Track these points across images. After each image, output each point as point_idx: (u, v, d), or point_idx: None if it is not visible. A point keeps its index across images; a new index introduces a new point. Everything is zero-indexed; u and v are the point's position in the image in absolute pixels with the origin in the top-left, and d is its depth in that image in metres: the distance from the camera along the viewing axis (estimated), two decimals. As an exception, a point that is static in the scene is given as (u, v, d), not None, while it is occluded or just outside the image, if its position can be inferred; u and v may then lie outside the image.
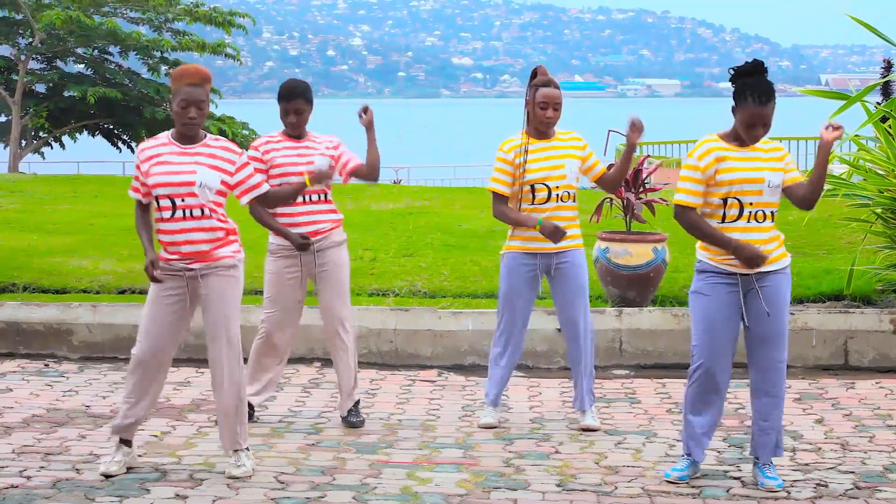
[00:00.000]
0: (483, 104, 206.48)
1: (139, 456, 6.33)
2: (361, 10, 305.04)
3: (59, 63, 28.82)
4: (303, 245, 6.79)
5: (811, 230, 11.67)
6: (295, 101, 6.92)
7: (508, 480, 6.05)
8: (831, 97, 9.50)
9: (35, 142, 28.50)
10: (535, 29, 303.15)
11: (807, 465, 6.35)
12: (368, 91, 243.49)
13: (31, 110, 27.34)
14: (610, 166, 10.09)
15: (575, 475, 6.15)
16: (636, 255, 9.05)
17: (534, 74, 7.08)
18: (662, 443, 6.75)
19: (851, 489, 5.94)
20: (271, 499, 5.73)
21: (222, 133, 26.86)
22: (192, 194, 5.93)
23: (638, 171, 9.35)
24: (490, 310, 8.70)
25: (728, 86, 5.91)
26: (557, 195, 6.90)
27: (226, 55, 28.82)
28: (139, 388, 6.10)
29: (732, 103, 5.84)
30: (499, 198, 6.98)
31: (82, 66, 29.14)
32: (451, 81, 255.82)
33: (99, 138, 29.46)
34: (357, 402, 7.15)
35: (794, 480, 6.06)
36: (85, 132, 29.22)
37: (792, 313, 8.79)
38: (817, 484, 6.01)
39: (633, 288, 9.12)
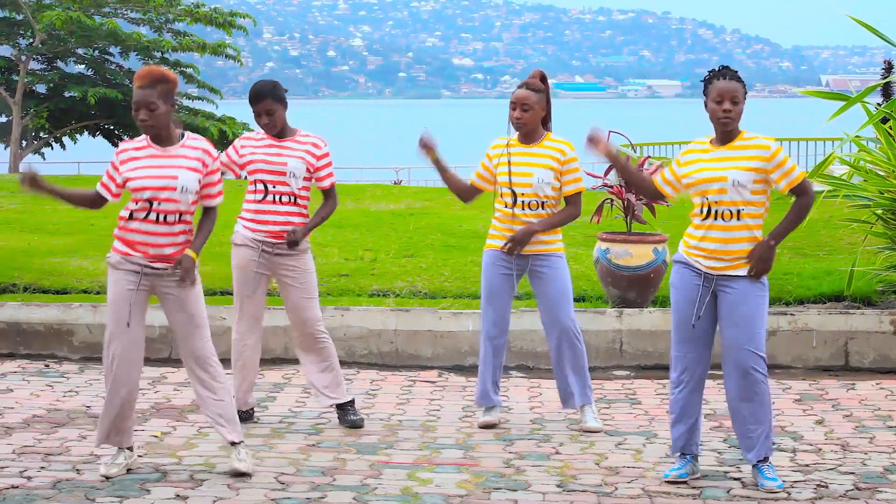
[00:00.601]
0: (484, 105, 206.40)
1: (139, 457, 6.33)
2: (362, 11, 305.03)
3: (59, 63, 28.81)
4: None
5: (811, 231, 11.66)
6: (263, 102, 6.86)
7: (509, 481, 6.05)
8: (831, 98, 9.50)
9: (35, 142, 28.50)
10: (536, 30, 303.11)
11: (807, 465, 6.35)
12: (369, 92, 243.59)
13: (31, 111, 27.34)
14: (609, 169, 10.13)
15: (575, 476, 6.15)
16: (636, 255, 9.05)
17: None
18: (663, 443, 6.74)
19: (852, 490, 5.94)
20: (272, 499, 5.73)
21: (222, 134, 26.87)
22: (171, 199, 5.94)
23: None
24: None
25: None
26: (523, 202, 6.91)
27: (226, 56, 28.81)
28: (118, 391, 6.08)
29: (703, 100, 5.96)
30: (471, 187, 7.17)
31: (83, 66, 29.14)
32: (452, 82, 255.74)
33: (99, 139, 29.45)
34: (352, 401, 7.14)
35: (795, 481, 6.06)
36: (85, 133, 29.22)
37: (792, 314, 8.80)
38: (817, 485, 6.01)
39: (633, 289, 9.12)
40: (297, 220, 6.93)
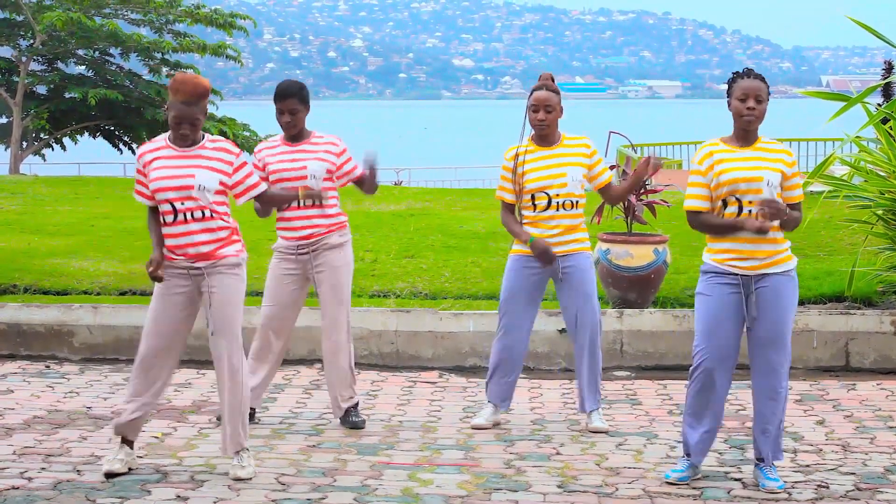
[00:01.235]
0: (484, 105, 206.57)
1: (139, 457, 6.33)
2: (362, 12, 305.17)
3: (59, 64, 28.79)
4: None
5: (812, 231, 11.66)
6: (289, 100, 6.91)
7: (509, 482, 6.05)
8: (832, 98, 9.50)
9: (36, 143, 28.49)
10: (536, 30, 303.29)
11: (808, 466, 6.35)
12: (369, 93, 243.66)
13: (31, 112, 27.32)
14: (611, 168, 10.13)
15: (576, 476, 6.15)
16: (637, 256, 9.05)
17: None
18: (663, 444, 6.75)
19: (852, 490, 5.94)
20: (272, 500, 5.73)
21: (223, 135, 26.86)
22: (192, 198, 5.95)
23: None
24: (491, 311, 8.70)
25: None
26: (558, 203, 6.90)
27: (227, 57, 28.80)
28: (143, 386, 6.11)
29: (727, 99, 5.98)
30: (505, 205, 7.04)
31: (83, 67, 29.13)
32: (452, 83, 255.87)
33: (100, 140, 29.44)
34: (356, 404, 7.15)
35: (795, 482, 6.06)
36: (86, 134, 29.20)
37: (793, 315, 8.79)
38: (818, 485, 6.01)
39: (633, 289, 9.12)
40: (321, 221, 6.94)
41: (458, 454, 6.55)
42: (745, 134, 5.96)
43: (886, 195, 9.02)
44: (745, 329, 6.01)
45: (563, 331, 8.63)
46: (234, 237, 6.10)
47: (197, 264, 6.03)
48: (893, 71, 10.75)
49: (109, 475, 6.01)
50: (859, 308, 9.17)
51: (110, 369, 8.58)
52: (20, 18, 27.57)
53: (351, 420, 7.08)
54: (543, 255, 6.85)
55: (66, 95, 27.70)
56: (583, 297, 6.99)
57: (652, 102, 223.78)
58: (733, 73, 6.06)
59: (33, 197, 15.31)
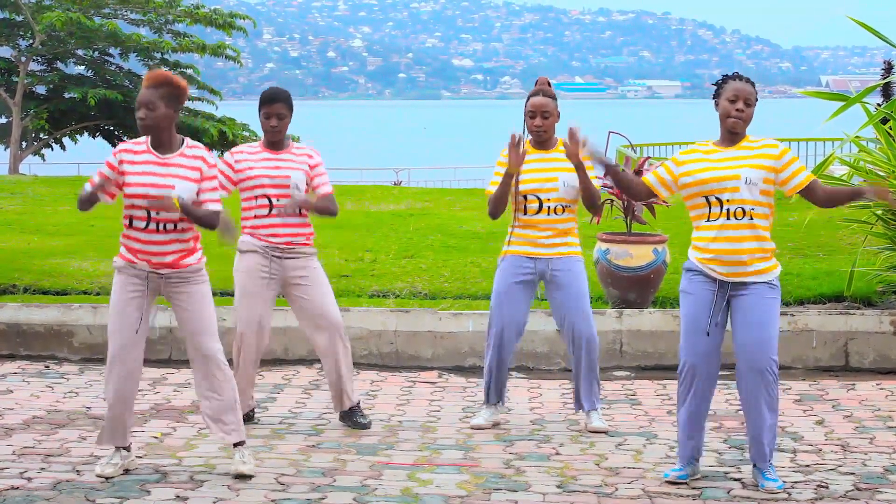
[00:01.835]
0: (484, 106, 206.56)
1: (139, 458, 6.34)
2: (362, 12, 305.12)
3: (59, 65, 28.80)
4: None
5: (812, 231, 11.66)
6: (277, 104, 6.92)
7: (509, 482, 6.05)
8: (831, 98, 9.50)
9: (35, 143, 28.49)
10: (536, 30, 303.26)
11: (807, 466, 6.35)
12: (369, 93, 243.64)
13: (31, 112, 27.33)
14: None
15: (575, 476, 6.15)
16: (636, 256, 9.06)
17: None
18: (663, 444, 6.75)
19: (852, 490, 5.94)
20: (272, 500, 5.73)
21: (222, 135, 26.87)
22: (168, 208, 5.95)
23: (638, 173, 9.35)
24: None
25: None
26: (549, 207, 6.90)
27: (226, 57, 28.81)
28: (119, 390, 6.11)
29: (714, 100, 6.01)
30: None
31: (83, 67, 29.13)
32: (452, 83, 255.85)
33: (99, 140, 29.45)
34: (358, 403, 7.15)
35: (795, 482, 6.06)
36: (85, 134, 29.21)
37: (792, 314, 8.80)
38: (818, 485, 6.01)
39: (633, 289, 9.12)
40: (302, 230, 6.94)
41: (457, 454, 6.56)
42: (730, 136, 5.99)
43: (886, 195, 9.01)
44: (727, 328, 6.04)
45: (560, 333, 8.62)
46: (197, 244, 6.12)
47: (159, 270, 6.03)
48: (893, 71, 10.75)
49: (105, 478, 6.02)
50: (859, 308, 9.17)
51: (110, 369, 8.57)
52: (20, 18, 27.58)
53: (356, 419, 7.07)
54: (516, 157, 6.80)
55: (66, 95, 27.71)
56: (574, 302, 6.97)
57: (651, 102, 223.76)
58: (723, 76, 6.08)
59: (33, 197, 15.31)
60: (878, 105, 9.83)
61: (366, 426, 7.07)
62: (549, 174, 6.89)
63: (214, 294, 6.21)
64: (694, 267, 6.02)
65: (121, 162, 6.02)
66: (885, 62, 11.79)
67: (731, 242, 5.91)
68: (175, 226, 6.00)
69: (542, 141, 6.96)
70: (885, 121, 9.30)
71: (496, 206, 6.94)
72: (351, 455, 6.51)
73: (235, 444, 6.15)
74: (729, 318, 6.01)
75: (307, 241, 7.00)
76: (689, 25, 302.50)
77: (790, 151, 6.02)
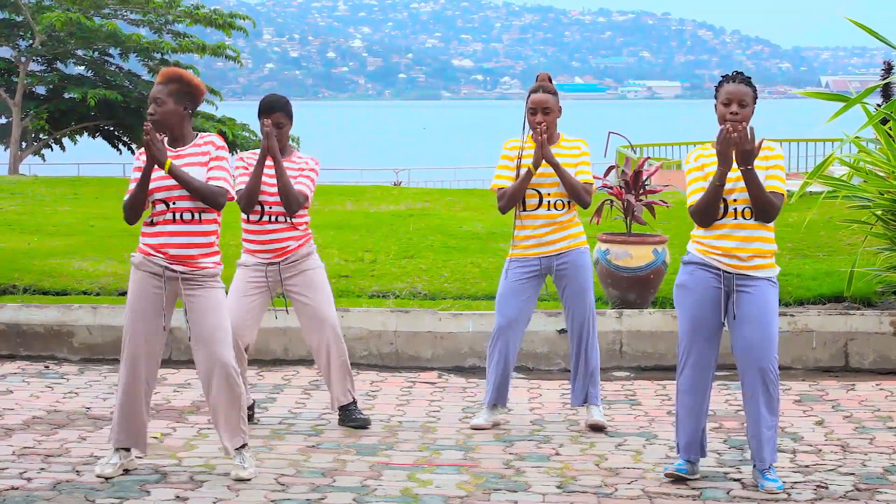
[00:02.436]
0: (483, 106, 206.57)
1: (139, 458, 6.33)
2: (362, 12, 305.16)
3: (59, 65, 28.79)
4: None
5: (811, 232, 11.67)
6: (277, 113, 6.91)
7: (509, 482, 6.05)
8: (831, 99, 9.49)
9: (35, 143, 28.49)
10: (536, 31, 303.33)
11: (807, 466, 6.35)
12: (369, 93, 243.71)
13: (31, 112, 27.32)
14: (609, 170, 10.15)
15: (575, 477, 6.15)
16: (636, 256, 9.06)
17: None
18: (663, 445, 6.75)
19: (852, 491, 5.94)
20: (271, 500, 5.73)
21: (222, 135, 26.85)
22: (185, 196, 5.95)
23: (638, 173, 9.36)
24: (491, 312, 8.70)
25: None
26: (549, 202, 6.91)
27: (226, 57, 28.80)
28: (136, 391, 6.10)
29: (714, 103, 6.01)
30: (501, 192, 7.01)
31: (82, 67, 29.13)
32: (452, 83, 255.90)
33: (99, 140, 29.44)
34: (355, 402, 7.14)
35: (795, 482, 6.06)
36: (85, 134, 29.20)
37: (792, 315, 8.80)
38: (817, 486, 6.01)
39: (633, 290, 9.12)
40: (296, 234, 6.96)
41: (457, 454, 6.56)
42: None
43: (886, 195, 9.02)
44: (726, 325, 6.03)
45: (562, 331, 8.63)
46: (215, 248, 6.11)
47: (174, 266, 6.02)
48: (892, 71, 10.75)
49: (104, 478, 6.02)
50: (858, 308, 9.17)
51: (109, 370, 8.58)
52: (19, 19, 27.57)
53: (355, 417, 7.08)
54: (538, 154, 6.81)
55: (66, 96, 27.70)
56: (577, 293, 7.00)
57: (651, 103, 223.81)
58: (721, 77, 6.08)
59: (33, 197, 15.31)
60: (878, 106, 9.83)
61: (364, 421, 7.07)
62: (550, 169, 6.90)
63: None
64: (695, 259, 6.00)
65: (145, 162, 6.03)
66: (884, 63, 11.78)
67: (739, 241, 5.91)
68: (193, 216, 5.99)
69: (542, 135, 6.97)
70: (884, 121, 9.30)
71: (510, 202, 6.95)
72: (351, 455, 6.51)
73: (236, 449, 6.14)
74: (730, 315, 6.00)
75: (301, 245, 6.99)
76: (689, 26, 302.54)
77: (782, 159, 6.02)
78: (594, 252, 9.20)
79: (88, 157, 29.37)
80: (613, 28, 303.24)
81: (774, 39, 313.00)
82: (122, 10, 27.60)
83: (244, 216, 6.98)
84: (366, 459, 6.43)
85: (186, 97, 6.03)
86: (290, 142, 7.12)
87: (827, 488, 5.98)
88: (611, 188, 9.44)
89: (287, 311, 7.36)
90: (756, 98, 6.02)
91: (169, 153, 5.99)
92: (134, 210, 6.03)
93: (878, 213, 9.16)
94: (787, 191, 6.08)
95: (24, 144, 27.91)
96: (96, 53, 28.64)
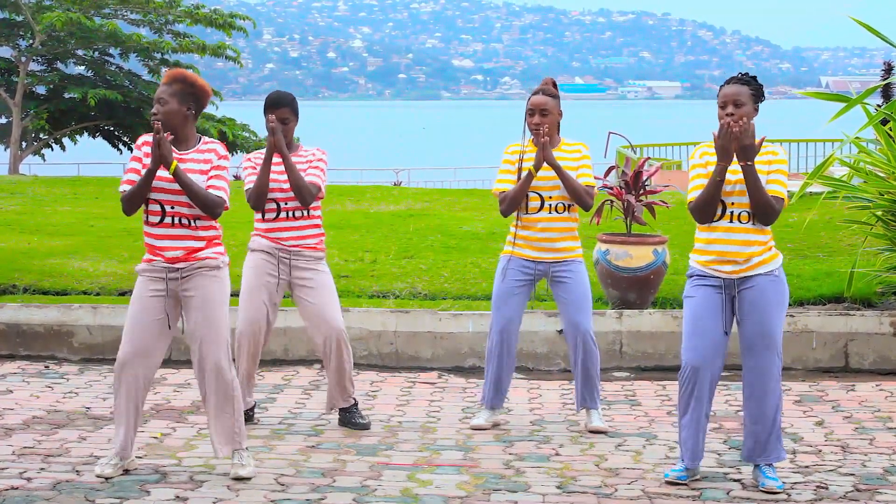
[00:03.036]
0: (484, 106, 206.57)
1: (139, 458, 6.33)
2: (362, 13, 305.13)
3: (59, 65, 28.80)
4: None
5: (811, 232, 11.67)
6: (283, 108, 6.90)
7: (509, 482, 6.05)
8: (831, 99, 9.49)
9: (35, 143, 28.49)
10: (536, 31, 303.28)
11: (807, 467, 6.35)
12: (369, 93, 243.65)
13: (31, 112, 27.33)
14: (609, 170, 10.14)
15: (575, 477, 6.15)
16: (636, 257, 9.05)
17: None
18: (663, 445, 6.75)
19: (852, 491, 5.94)
20: (271, 500, 5.73)
21: (222, 135, 26.87)
22: (183, 203, 5.95)
23: (638, 174, 9.35)
24: (490, 312, 8.69)
25: None
26: (551, 205, 6.93)
27: (226, 57, 28.81)
28: (127, 397, 6.08)
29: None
30: (503, 196, 7.02)
31: (83, 67, 29.13)
32: (452, 83, 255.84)
33: (99, 140, 29.45)
34: (356, 403, 7.15)
35: (795, 482, 6.06)
36: (85, 134, 29.21)
37: (792, 315, 8.80)
38: (817, 486, 6.01)
39: (633, 290, 9.12)
40: (311, 232, 6.96)
41: (457, 455, 6.56)
42: None
43: (886, 196, 9.02)
44: (734, 329, 6.03)
45: (562, 331, 8.63)
46: (216, 241, 6.10)
47: (175, 265, 6.02)
48: (893, 72, 10.75)
49: (104, 478, 6.02)
50: (859, 309, 9.17)
51: (109, 369, 8.57)
52: (20, 19, 27.58)
53: (356, 420, 7.08)
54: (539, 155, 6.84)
55: (66, 96, 27.71)
56: (577, 304, 7.01)
57: (651, 103, 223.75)
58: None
59: (33, 197, 15.31)
60: (878, 106, 9.82)
61: (365, 426, 7.07)
62: (552, 172, 6.90)
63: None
64: (696, 272, 6.03)
65: (146, 154, 6.03)
66: (885, 63, 11.76)
67: (735, 245, 5.91)
68: (190, 221, 5.99)
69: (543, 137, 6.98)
70: (885, 122, 9.29)
71: (511, 205, 6.97)
72: (351, 455, 6.51)
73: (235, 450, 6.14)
74: (734, 320, 6.00)
75: (316, 245, 6.99)
76: (689, 26, 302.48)
77: (785, 164, 6.01)
78: (594, 252, 9.20)
79: (88, 156, 29.37)
80: (613, 28, 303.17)
81: (774, 40, 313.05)
82: (123, 10, 27.60)
83: (258, 215, 6.97)
84: (366, 459, 6.43)
85: (190, 98, 6.03)
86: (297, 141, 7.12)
87: (827, 489, 5.98)
88: (611, 188, 9.43)
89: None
90: (758, 96, 6.00)
91: (174, 154, 5.99)
92: (131, 204, 6.02)
93: (879, 213, 9.16)
94: (788, 191, 6.08)
95: (24, 144, 27.92)
96: (96, 53, 28.65)
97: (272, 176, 6.88)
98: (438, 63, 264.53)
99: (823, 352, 8.79)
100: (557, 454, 6.58)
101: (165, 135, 5.91)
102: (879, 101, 11.44)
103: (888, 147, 8.98)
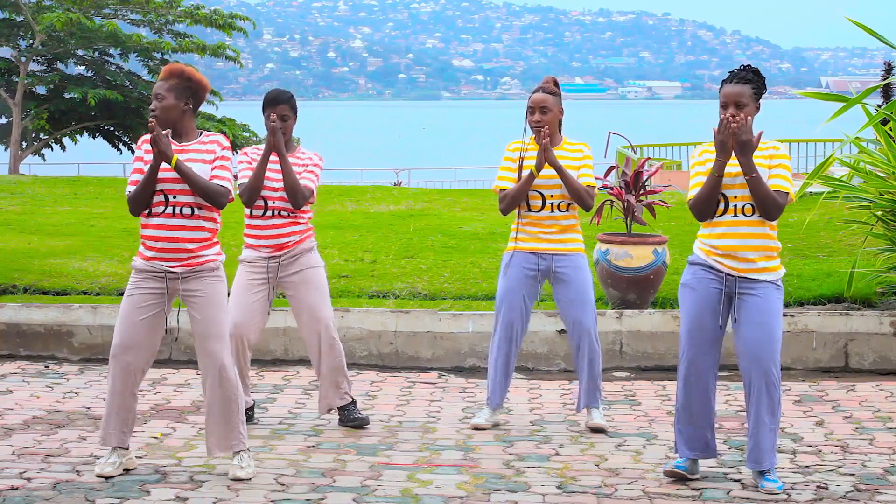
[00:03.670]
0: (484, 106, 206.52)
1: (139, 458, 6.33)
2: (362, 12, 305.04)
3: (59, 65, 28.80)
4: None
5: (811, 232, 11.67)
6: (281, 105, 6.91)
7: (509, 482, 6.05)
8: (831, 99, 9.49)
9: (35, 143, 28.50)
10: (536, 31, 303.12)
11: (807, 467, 6.35)
12: (369, 93, 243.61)
13: (31, 112, 27.33)
14: (609, 170, 10.14)
15: (575, 477, 6.15)
16: (636, 257, 9.05)
17: None
18: (663, 445, 6.75)
19: (851, 491, 5.94)
20: (271, 501, 5.73)
21: (223, 135, 26.87)
22: (185, 191, 5.95)
23: (638, 174, 9.35)
24: (491, 312, 8.70)
25: None
26: (552, 204, 6.94)
27: (226, 57, 28.82)
28: (120, 391, 6.09)
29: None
30: (503, 192, 7.03)
31: (83, 67, 29.14)
32: (452, 83, 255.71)
33: (99, 140, 29.46)
34: (354, 402, 7.15)
35: (795, 483, 6.06)
36: (85, 134, 29.22)
37: (792, 315, 8.80)
38: (817, 486, 6.01)
39: (633, 290, 9.12)
40: (296, 229, 6.98)
41: (457, 455, 6.56)
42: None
43: (886, 196, 9.02)
44: (730, 327, 6.03)
45: (562, 331, 8.63)
46: (214, 239, 6.11)
47: (174, 268, 6.01)
48: (893, 72, 10.75)
49: (104, 478, 6.02)
50: (859, 309, 9.17)
51: (110, 370, 8.57)
52: (20, 19, 27.59)
53: (355, 417, 7.08)
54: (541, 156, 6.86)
55: (66, 96, 27.71)
56: (580, 301, 7.02)
57: (651, 103, 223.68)
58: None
59: (33, 197, 15.31)
60: (878, 106, 9.82)
61: (362, 420, 7.07)
62: (551, 171, 6.91)
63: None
64: (700, 260, 6.00)
65: (146, 152, 6.04)
66: (885, 63, 11.76)
67: (740, 239, 5.90)
68: (192, 210, 5.99)
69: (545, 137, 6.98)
70: (885, 122, 9.29)
71: (511, 204, 6.99)
72: (351, 455, 6.51)
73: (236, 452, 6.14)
74: (731, 317, 6.01)
75: (301, 238, 6.99)
76: (690, 26, 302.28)
77: (787, 159, 6.00)
78: (594, 252, 9.20)
79: (88, 157, 29.37)
80: (614, 28, 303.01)
81: (775, 40, 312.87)
82: (123, 10, 27.61)
83: (247, 211, 6.99)
84: (366, 459, 6.43)
85: (187, 92, 6.04)
86: (291, 142, 7.12)
87: (827, 489, 5.98)
88: (611, 188, 9.43)
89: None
90: (758, 93, 5.98)
91: (173, 147, 6.00)
92: (137, 203, 6.03)
93: (879, 213, 9.16)
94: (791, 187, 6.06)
95: (24, 144, 27.92)
96: (97, 53, 28.66)
97: (270, 176, 6.88)
98: (438, 63, 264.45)
99: (823, 352, 8.79)
100: (557, 454, 6.58)
101: (165, 132, 5.93)
102: (879, 100, 11.44)
103: (888, 147, 8.98)
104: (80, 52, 28.47)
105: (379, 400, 7.82)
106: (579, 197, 6.93)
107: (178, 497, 5.77)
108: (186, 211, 6.00)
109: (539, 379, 8.52)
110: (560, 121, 7.07)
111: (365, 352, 8.85)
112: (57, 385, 8.14)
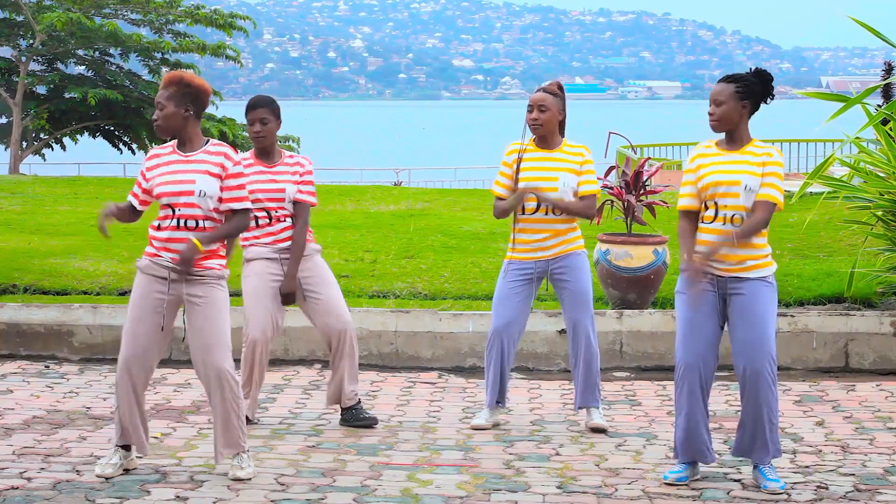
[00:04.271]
0: (484, 106, 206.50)
1: (139, 457, 6.33)
2: (362, 12, 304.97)
3: (59, 65, 28.81)
4: None
5: (812, 232, 11.67)
6: (259, 109, 6.94)
7: (509, 482, 6.05)
8: (831, 99, 9.49)
9: (36, 143, 28.50)
10: (536, 31, 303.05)
11: (807, 467, 6.35)
12: (369, 93, 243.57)
13: (31, 112, 27.34)
14: (609, 170, 10.14)
15: (575, 477, 6.15)
16: (636, 257, 9.05)
17: None
18: (663, 445, 6.75)
19: (852, 491, 5.94)
20: (271, 500, 5.73)
21: (223, 135, 26.88)
22: (191, 204, 5.95)
23: (638, 174, 9.35)
24: (490, 312, 8.69)
25: None
26: (547, 206, 6.93)
27: (226, 57, 28.83)
28: (129, 393, 6.09)
29: None
30: (498, 200, 7.04)
31: (83, 67, 29.14)
32: (452, 83, 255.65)
33: (99, 140, 29.46)
34: (358, 402, 7.15)
35: (795, 483, 6.06)
36: (85, 134, 29.22)
37: (792, 315, 8.80)
38: (818, 486, 6.01)
39: (633, 290, 9.12)
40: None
41: (457, 455, 6.56)
42: (727, 136, 6.00)
43: (886, 196, 9.02)
44: (724, 329, 6.04)
45: (562, 331, 8.63)
46: (221, 251, 6.11)
47: (179, 268, 6.01)
48: (893, 72, 10.74)
49: (104, 478, 6.02)
50: (859, 309, 9.17)
51: (110, 369, 8.58)
52: (20, 18, 27.60)
53: (362, 416, 7.09)
54: (520, 197, 6.89)
55: (66, 95, 27.72)
56: (579, 301, 7.02)
57: (651, 103, 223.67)
58: None
59: (33, 197, 15.31)
60: (879, 106, 9.82)
61: (372, 420, 7.07)
62: (550, 174, 6.91)
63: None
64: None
65: (148, 168, 6.08)
66: (885, 63, 11.76)
67: (728, 248, 5.90)
68: (197, 223, 5.99)
69: (542, 137, 6.98)
70: (885, 122, 9.29)
71: (502, 216, 7.06)
72: (351, 455, 6.51)
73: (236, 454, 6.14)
74: (726, 318, 6.02)
75: (307, 240, 7.02)
76: (690, 26, 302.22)
77: (781, 167, 5.99)
78: (594, 252, 9.20)
79: (88, 156, 29.36)
80: (614, 28, 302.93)
81: (775, 40, 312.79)
82: (123, 9, 27.62)
83: (252, 223, 6.96)
84: (366, 459, 6.43)
85: (187, 98, 6.02)
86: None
87: (827, 489, 5.98)
88: (611, 188, 9.43)
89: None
90: (745, 93, 5.94)
91: (178, 156, 6.02)
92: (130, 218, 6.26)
93: (879, 213, 9.16)
94: (787, 191, 6.07)
95: (24, 144, 27.93)
96: (97, 53, 28.66)
97: (261, 185, 6.90)
98: (438, 63, 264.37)
99: (823, 352, 8.79)
100: (557, 454, 6.58)
101: (172, 142, 5.98)
102: (879, 100, 11.43)
103: (888, 147, 8.98)
104: (80, 52, 28.48)
105: (379, 400, 7.83)
106: (581, 216, 7.00)
107: (178, 497, 5.77)
108: (191, 224, 6.00)
109: (539, 379, 8.52)
110: (563, 123, 7.05)
111: (365, 352, 8.85)
112: (57, 385, 8.14)
